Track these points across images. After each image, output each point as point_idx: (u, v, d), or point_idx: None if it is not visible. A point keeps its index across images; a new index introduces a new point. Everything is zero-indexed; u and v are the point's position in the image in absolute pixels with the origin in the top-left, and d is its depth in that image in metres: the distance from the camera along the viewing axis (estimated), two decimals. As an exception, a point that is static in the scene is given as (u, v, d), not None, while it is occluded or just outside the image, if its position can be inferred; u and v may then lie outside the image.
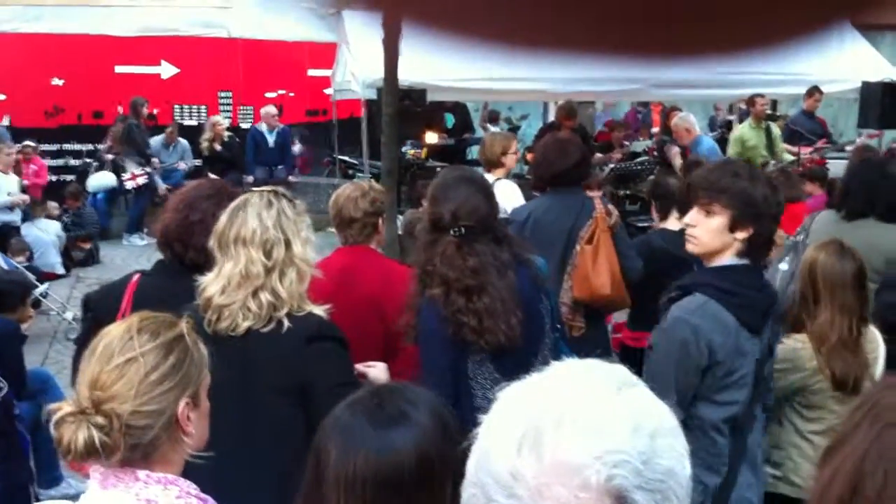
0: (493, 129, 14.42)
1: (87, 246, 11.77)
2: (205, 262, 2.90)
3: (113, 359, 1.83)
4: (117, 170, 12.93)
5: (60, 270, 10.87)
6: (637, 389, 1.07)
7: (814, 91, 11.43)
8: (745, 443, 2.98)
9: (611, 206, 4.60)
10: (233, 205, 2.83)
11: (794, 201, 7.86)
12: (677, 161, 9.48)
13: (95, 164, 13.56)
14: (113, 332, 1.90)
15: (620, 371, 1.10)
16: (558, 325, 3.43)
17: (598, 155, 11.85)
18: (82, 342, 3.21)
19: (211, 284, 2.75)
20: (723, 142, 12.06)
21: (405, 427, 1.77)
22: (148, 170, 12.88)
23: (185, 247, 3.14)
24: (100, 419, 1.77)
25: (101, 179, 13.12)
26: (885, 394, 1.57)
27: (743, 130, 10.84)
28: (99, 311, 3.26)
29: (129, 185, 12.81)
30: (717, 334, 2.85)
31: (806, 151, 10.72)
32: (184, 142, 13.63)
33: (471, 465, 1.07)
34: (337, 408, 1.83)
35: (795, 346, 3.48)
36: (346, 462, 1.73)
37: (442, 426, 1.82)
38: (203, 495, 1.90)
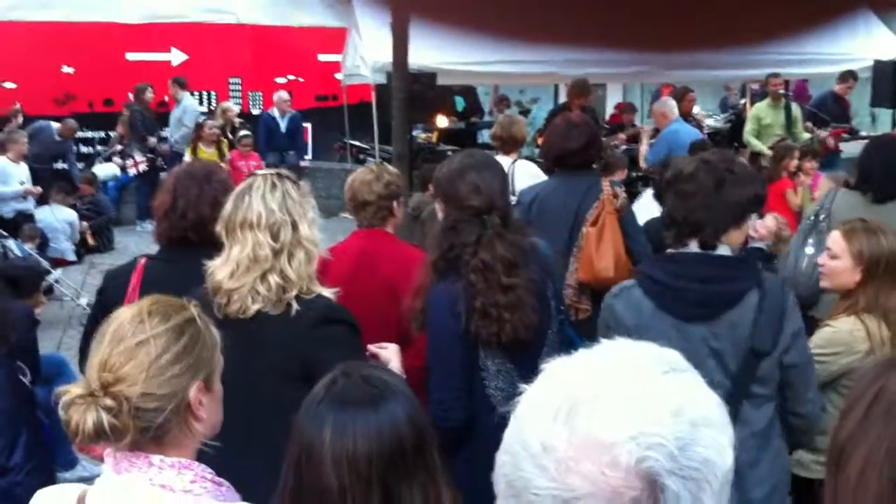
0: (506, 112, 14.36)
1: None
2: (201, 238, 2.99)
3: (123, 341, 1.81)
4: (124, 157, 13.01)
5: (71, 257, 10.93)
6: (686, 375, 1.05)
7: (848, 77, 11.41)
8: None
9: (618, 189, 4.57)
10: (237, 189, 2.85)
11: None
12: (643, 147, 9.45)
13: (102, 154, 13.64)
14: (123, 316, 1.88)
15: (672, 355, 1.07)
16: (561, 307, 3.41)
17: (603, 138, 11.79)
18: (90, 326, 3.27)
19: (220, 269, 2.76)
20: (737, 125, 12.04)
21: (394, 399, 1.80)
22: (150, 156, 12.92)
23: (183, 218, 3.23)
24: (109, 401, 1.76)
25: (106, 169, 13.19)
26: (889, 381, 1.48)
27: (760, 109, 10.89)
28: (107, 295, 3.30)
29: (132, 171, 12.86)
30: None
31: (822, 132, 10.78)
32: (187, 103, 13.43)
33: (507, 433, 1.05)
34: (314, 392, 1.85)
35: (846, 328, 3.40)
36: (343, 442, 1.74)
37: (415, 398, 1.87)
38: (218, 479, 1.88)
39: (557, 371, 1.06)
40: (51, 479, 4.21)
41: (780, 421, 3.01)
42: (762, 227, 5.46)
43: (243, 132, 12.23)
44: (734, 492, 3.05)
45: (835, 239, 3.55)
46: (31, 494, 3.43)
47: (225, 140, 12.06)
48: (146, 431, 1.80)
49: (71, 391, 1.78)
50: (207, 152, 11.63)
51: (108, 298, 3.23)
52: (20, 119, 12.65)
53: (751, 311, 2.86)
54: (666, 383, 1.01)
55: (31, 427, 3.80)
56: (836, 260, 3.50)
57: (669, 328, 2.88)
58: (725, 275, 2.92)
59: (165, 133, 13.27)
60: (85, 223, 11.51)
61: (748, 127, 10.89)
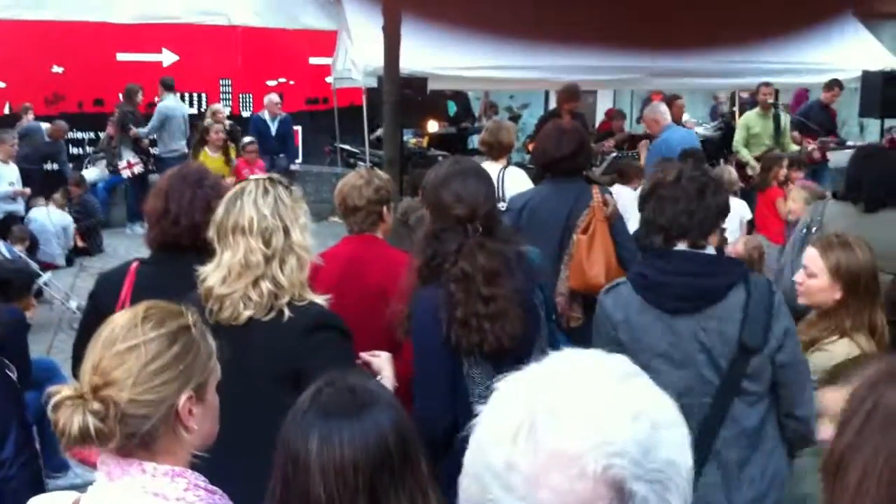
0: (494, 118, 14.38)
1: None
2: (193, 244, 3.00)
3: (115, 345, 1.81)
4: (112, 160, 12.97)
5: (61, 262, 10.81)
6: (639, 380, 1.06)
7: (833, 85, 11.48)
8: (707, 443, 2.93)
9: (608, 196, 4.58)
10: (229, 194, 2.84)
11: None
12: (643, 153, 9.50)
13: (90, 158, 13.61)
14: (118, 320, 1.88)
15: (622, 361, 1.08)
16: (553, 316, 3.41)
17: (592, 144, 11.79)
18: (82, 329, 3.27)
19: (211, 275, 2.75)
20: (728, 133, 12.08)
21: (379, 407, 1.81)
22: (143, 157, 12.87)
23: (174, 225, 3.22)
24: (96, 405, 1.75)
25: (93, 172, 13.16)
26: (885, 393, 1.49)
27: (749, 118, 10.94)
28: (99, 298, 3.29)
29: (125, 173, 12.80)
30: None
31: (811, 143, 10.83)
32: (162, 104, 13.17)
33: (468, 457, 1.05)
34: (299, 403, 1.86)
35: (842, 352, 3.31)
36: (330, 452, 1.75)
37: (400, 406, 1.89)
38: (212, 487, 1.88)
39: (512, 389, 1.06)
40: (39, 479, 4.21)
41: (779, 428, 3.04)
42: (734, 253, 5.56)
43: (248, 139, 11.83)
44: (722, 490, 3.00)
45: (811, 257, 3.51)
46: (23, 489, 3.41)
47: (233, 145, 11.55)
48: (132, 437, 1.80)
49: (62, 392, 1.78)
50: (212, 157, 11.05)
51: (100, 302, 3.22)
52: (31, 116, 12.71)
53: (738, 307, 2.94)
54: (621, 389, 1.02)
55: (20, 423, 3.79)
56: (814, 278, 3.46)
57: (656, 322, 2.98)
58: (712, 270, 3.03)
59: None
60: (72, 227, 11.44)
61: (738, 136, 10.94)
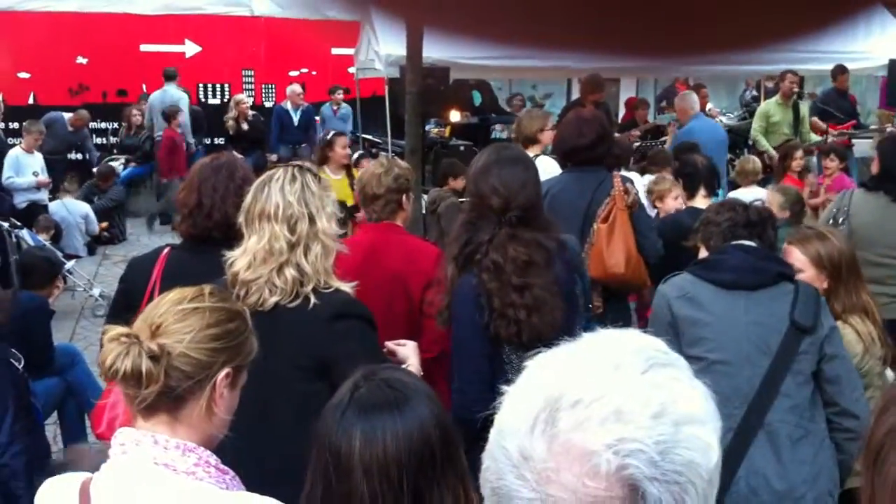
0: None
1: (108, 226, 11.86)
2: (225, 236, 3.00)
3: (181, 304, 1.89)
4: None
5: (82, 253, 10.86)
6: (668, 370, 1.01)
7: (837, 73, 11.37)
8: (758, 416, 3.02)
9: (629, 185, 4.55)
10: (258, 181, 2.87)
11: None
12: (670, 138, 9.47)
13: (108, 159, 13.73)
14: (184, 290, 1.97)
15: (654, 347, 1.04)
16: (590, 305, 3.42)
17: (617, 134, 11.70)
18: (112, 313, 3.30)
19: (238, 260, 2.78)
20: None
21: (418, 400, 1.81)
22: None
23: (207, 218, 3.24)
24: (154, 346, 1.81)
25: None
26: None
27: (769, 106, 10.81)
28: (129, 282, 3.33)
29: None
30: None
31: (834, 131, 10.69)
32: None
33: (491, 437, 1.04)
34: (337, 399, 1.85)
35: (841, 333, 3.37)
36: (373, 448, 1.74)
37: (437, 398, 1.88)
38: (223, 467, 1.89)
39: (538, 371, 1.05)
40: (40, 467, 4.22)
41: (831, 432, 3.11)
42: None
43: (359, 153, 9.94)
44: (775, 464, 3.12)
45: (792, 254, 3.59)
46: (15, 478, 3.42)
47: (355, 169, 8.42)
48: (167, 393, 1.83)
49: (116, 329, 1.84)
50: (334, 178, 7.52)
51: (131, 286, 3.28)
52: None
53: (789, 292, 3.13)
54: (647, 382, 0.98)
55: (20, 412, 3.79)
56: (801, 273, 3.49)
57: (711, 296, 3.16)
58: (768, 257, 3.27)
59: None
60: (94, 218, 11.45)
61: (756, 125, 10.80)
